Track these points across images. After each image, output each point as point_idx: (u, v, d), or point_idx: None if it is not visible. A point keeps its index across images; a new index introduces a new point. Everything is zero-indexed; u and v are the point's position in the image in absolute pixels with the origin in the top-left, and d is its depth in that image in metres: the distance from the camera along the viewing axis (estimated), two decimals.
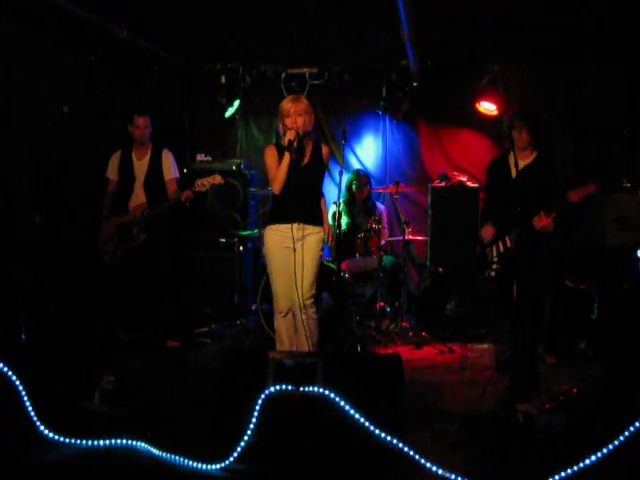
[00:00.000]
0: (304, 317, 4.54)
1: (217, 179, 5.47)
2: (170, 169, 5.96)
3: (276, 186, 4.54)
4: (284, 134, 4.55)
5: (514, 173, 4.80)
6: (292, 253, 4.51)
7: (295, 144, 4.44)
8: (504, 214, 4.86)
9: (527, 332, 4.64)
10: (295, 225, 4.51)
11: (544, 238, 4.77)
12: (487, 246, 4.98)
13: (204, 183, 5.47)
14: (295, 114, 4.51)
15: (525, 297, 4.73)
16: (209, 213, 6.97)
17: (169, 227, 6.00)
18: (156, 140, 6.03)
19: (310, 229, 4.61)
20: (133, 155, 5.97)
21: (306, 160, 4.63)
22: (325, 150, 4.70)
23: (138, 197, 5.89)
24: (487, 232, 4.96)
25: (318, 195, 4.75)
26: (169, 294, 6.07)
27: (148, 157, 5.95)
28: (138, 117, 5.86)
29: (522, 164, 4.78)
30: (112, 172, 6.03)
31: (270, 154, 4.66)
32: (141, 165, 5.94)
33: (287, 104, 4.57)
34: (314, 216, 4.67)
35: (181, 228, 6.65)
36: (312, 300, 4.64)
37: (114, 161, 6.03)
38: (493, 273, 4.92)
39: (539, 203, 4.66)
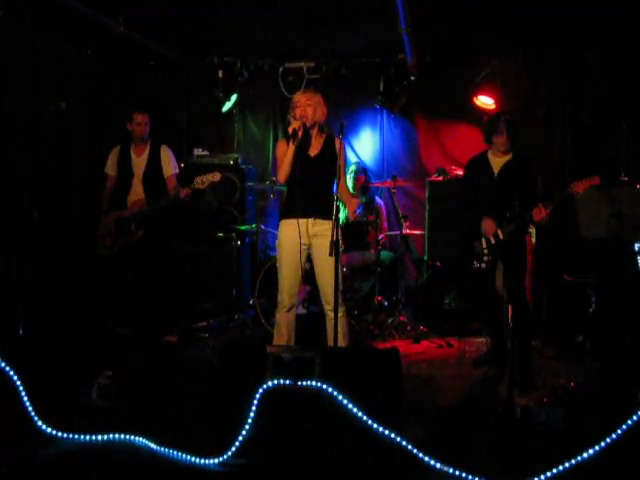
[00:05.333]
0: (331, 317, 4.27)
1: (216, 177, 5.45)
2: (169, 165, 5.95)
3: (280, 175, 4.51)
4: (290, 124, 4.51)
5: (495, 172, 4.94)
6: (302, 249, 4.46)
7: (299, 134, 4.39)
8: (490, 210, 4.90)
9: (520, 323, 4.63)
10: (309, 220, 4.47)
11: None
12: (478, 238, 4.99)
13: (203, 180, 5.45)
14: (305, 104, 4.47)
15: (515, 287, 4.76)
16: (207, 208, 6.96)
17: (167, 222, 5.98)
18: (155, 136, 6.02)
19: (327, 224, 4.29)
20: (132, 151, 5.96)
21: (316, 152, 4.57)
22: (338, 142, 4.44)
23: (136, 193, 5.88)
24: (489, 227, 4.93)
25: (331, 188, 4.50)
26: (167, 289, 6.06)
27: (147, 153, 5.93)
28: (137, 114, 5.85)
29: (501, 162, 4.94)
30: (111, 168, 6.03)
31: (278, 147, 4.67)
32: (139, 161, 5.93)
33: (298, 95, 4.56)
34: (329, 210, 4.18)
35: (179, 223, 6.65)
36: (339, 302, 4.25)
37: (113, 157, 6.02)
38: (484, 265, 4.92)
39: (522, 200, 4.74)
